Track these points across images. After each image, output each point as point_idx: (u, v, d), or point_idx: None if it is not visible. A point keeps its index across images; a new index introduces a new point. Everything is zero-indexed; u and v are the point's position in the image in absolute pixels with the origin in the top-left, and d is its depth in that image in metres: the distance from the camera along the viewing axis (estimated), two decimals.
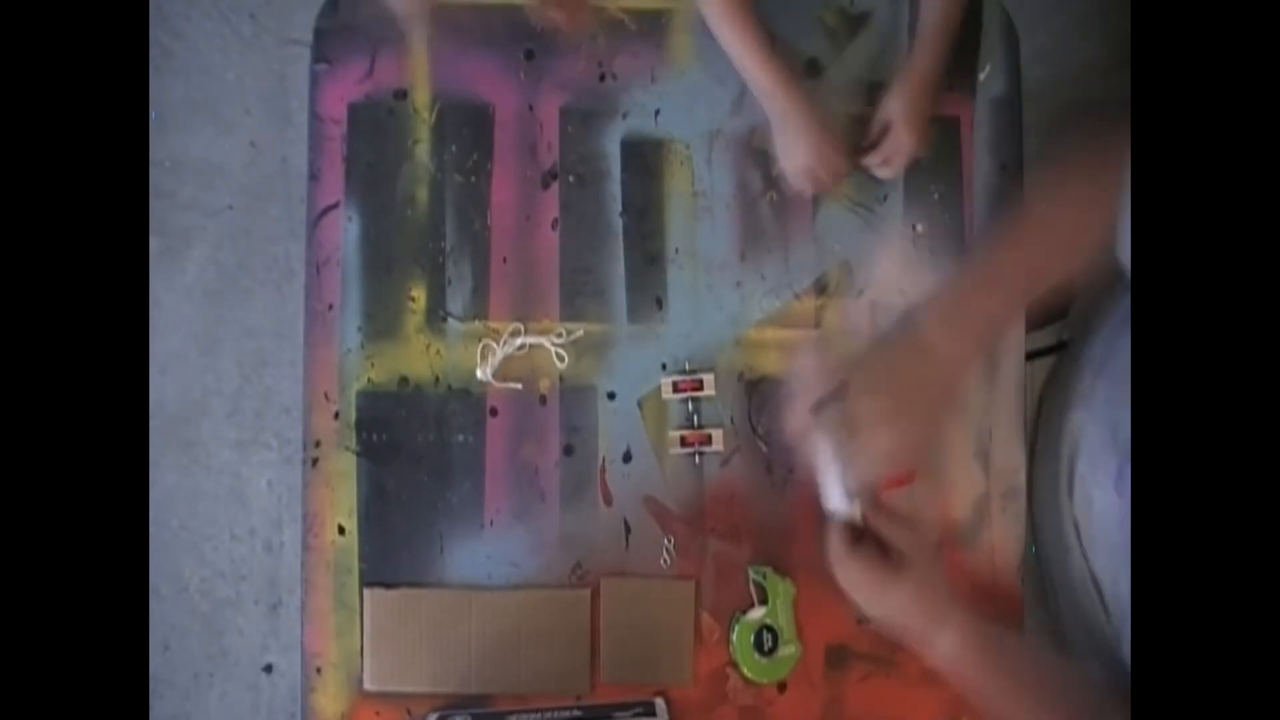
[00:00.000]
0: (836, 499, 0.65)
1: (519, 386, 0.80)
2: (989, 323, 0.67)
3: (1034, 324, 0.87)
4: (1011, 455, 0.83)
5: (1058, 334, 0.93)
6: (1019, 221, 0.67)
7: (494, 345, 0.80)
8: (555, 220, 0.83)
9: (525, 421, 0.81)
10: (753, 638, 0.79)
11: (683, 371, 0.81)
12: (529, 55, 0.83)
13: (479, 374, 0.80)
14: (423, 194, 0.82)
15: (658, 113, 0.83)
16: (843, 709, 0.81)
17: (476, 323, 0.82)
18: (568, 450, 0.82)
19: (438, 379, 0.81)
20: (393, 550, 0.81)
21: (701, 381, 0.81)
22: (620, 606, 0.80)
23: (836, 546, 0.65)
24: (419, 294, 0.82)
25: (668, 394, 0.81)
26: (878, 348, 0.66)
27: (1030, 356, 0.89)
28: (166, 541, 1.49)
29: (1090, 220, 0.63)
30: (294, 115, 1.50)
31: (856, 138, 0.82)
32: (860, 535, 0.65)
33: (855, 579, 0.65)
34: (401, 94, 0.82)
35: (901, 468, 0.66)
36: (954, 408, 0.68)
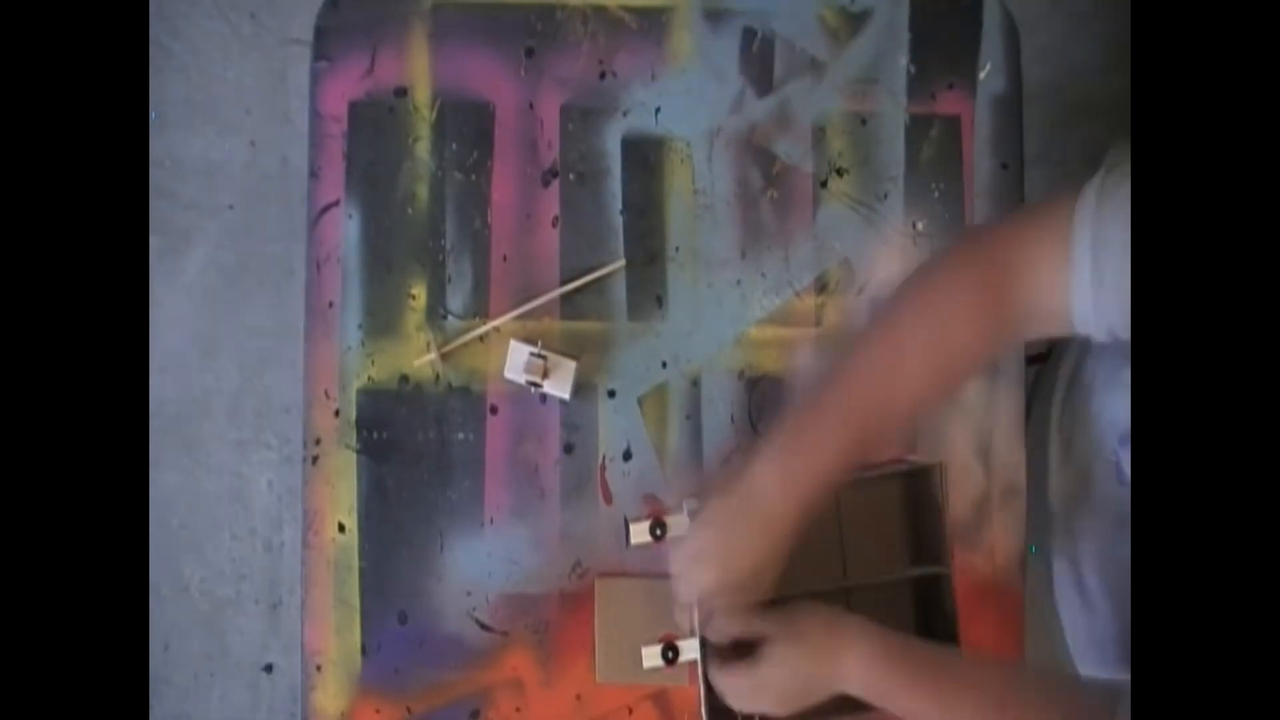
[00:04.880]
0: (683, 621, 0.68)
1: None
2: (815, 477, 0.61)
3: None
4: (1011, 454, 0.83)
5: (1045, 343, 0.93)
6: (851, 360, 0.62)
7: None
8: (555, 218, 0.83)
9: (525, 419, 0.82)
10: None
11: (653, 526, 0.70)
12: (529, 53, 0.83)
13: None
14: (423, 192, 0.82)
15: (658, 111, 0.83)
16: None
17: (476, 320, 0.82)
18: (568, 448, 0.82)
19: (438, 377, 0.81)
20: (393, 548, 0.81)
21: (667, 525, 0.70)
22: (618, 606, 0.80)
23: (710, 671, 0.67)
24: (419, 292, 0.82)
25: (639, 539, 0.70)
26: (726, 480, 0.62)
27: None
28: (166, 541, 1.49)
29: (933, 361, 0.61)
30: (294, 114, 1.50)
31: (855, 134, 0.82)
32: (727, 652, 0.67)
33: (730, 687, 0.66)
34: (402, 92, 0.82)
35: (717, 603, 0.65)
36: (777, 558, 0.63)
